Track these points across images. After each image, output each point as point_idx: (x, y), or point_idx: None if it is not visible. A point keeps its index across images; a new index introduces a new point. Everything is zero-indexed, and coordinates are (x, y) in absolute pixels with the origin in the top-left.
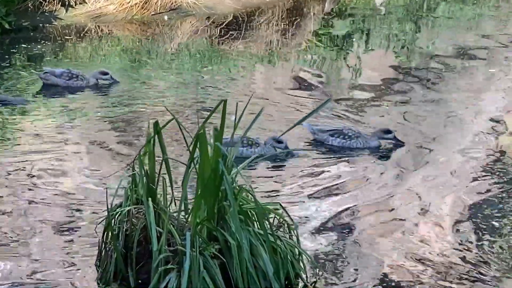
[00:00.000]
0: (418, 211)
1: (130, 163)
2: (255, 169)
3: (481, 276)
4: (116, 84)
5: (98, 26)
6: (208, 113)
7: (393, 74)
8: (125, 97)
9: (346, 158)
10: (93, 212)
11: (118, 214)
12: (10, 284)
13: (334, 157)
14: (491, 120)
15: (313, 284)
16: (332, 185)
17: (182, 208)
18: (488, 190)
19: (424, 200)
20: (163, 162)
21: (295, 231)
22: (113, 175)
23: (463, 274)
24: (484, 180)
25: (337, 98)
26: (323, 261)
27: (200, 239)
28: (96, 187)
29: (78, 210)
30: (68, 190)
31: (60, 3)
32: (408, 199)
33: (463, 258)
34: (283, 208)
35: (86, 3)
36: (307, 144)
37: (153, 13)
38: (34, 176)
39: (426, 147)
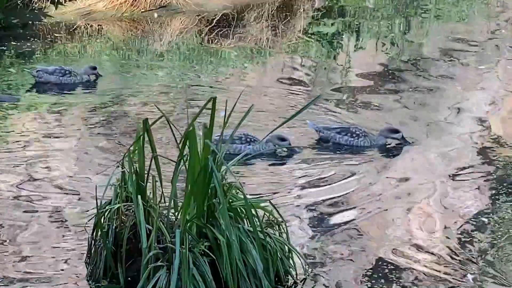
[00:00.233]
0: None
1: (119, 161)
2: (252, 165)
3: None
4: (102, 79)
5: (88, 23)
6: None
7: (383, 71)
8: (115, 95)
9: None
10: (83, 210)
11: (108, 211)
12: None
13: (339, 154)
14: (478, 119)
15: (303, 281)
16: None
17: (172, 205)
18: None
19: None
20: (153, 160)
21: (285, 228)
22: (103, 172)
23: None
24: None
25: (327, 94)
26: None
27: (189, 236)
28: (86, 184)
29: (66, 207)
30: (56, 187)
31: (49, 0)
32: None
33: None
34: (273, 205)
35: (76, 0)
36: (312, 143)
37: (142, 10)
38: (22, 173)
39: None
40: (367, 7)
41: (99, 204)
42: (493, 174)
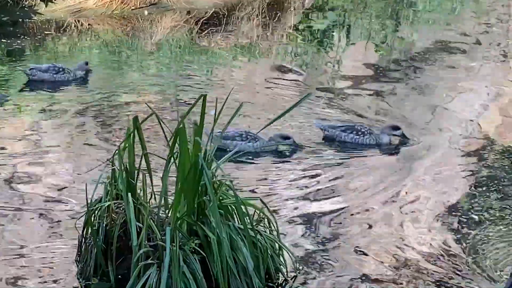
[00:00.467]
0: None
1: (109, 158)
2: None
3: None
4: (93, 76)
5: (78, 20)
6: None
7: (374, 68)
8: (105, 92)
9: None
10: (73, 207)
11: (98, 209)
12: None
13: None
14: (468, 116)
15: (293, 279)
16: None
17: (162, 203)
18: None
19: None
20: (143, 157)
21: (275, 226)
22: (93, 170)
23: None
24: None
25: (317, 91)
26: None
27: (180, 234)
28: (76, 182)
29: (56, 205)
30: (46, 184)
31: None
32: None
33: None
34: (263, 202)
35: None
36: (318, 142)
37: (133, 7)
38: (13, 169)
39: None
40: (357, 4)
41: (89, 202)
42: (483, 171)
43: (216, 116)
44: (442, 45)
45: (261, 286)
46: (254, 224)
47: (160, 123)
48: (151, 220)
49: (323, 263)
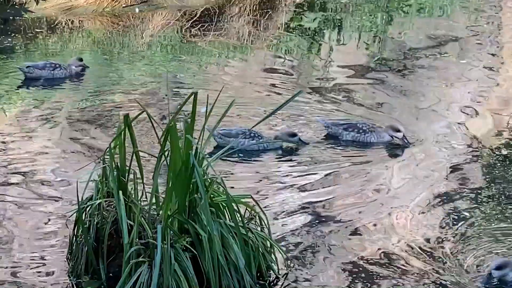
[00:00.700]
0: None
1: (100, 156)
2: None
3: None
4: (89, 72)
5: (69, 18)
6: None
7: (365, 65)
8: (96, 90)
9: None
10: (63, 205)
11: (89, 207)
12: None
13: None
14: (460, 113)
15: (284, 276)
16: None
17: (153, 201)
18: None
19: None
20: (134, 155)
21: (266, 223)
22: (84, 168)
23: None
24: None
25: (308, 89)
26: None
27: (171, 232)
28: (67, 179)
29: (47, 202)
30: (37, 182)
31: None
32: None
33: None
34: (255, 200)
35: None
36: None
37: (124, 5)
38: (4, 167)
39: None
40: (349, 1)
41: (80, 200)
42: (475, 168)
43: (207, 113)
44: (433, 42)
45: (252, 283)
46: (245, 221)
47: (151, 121)
48: (142, 218)
49: (313, 259)
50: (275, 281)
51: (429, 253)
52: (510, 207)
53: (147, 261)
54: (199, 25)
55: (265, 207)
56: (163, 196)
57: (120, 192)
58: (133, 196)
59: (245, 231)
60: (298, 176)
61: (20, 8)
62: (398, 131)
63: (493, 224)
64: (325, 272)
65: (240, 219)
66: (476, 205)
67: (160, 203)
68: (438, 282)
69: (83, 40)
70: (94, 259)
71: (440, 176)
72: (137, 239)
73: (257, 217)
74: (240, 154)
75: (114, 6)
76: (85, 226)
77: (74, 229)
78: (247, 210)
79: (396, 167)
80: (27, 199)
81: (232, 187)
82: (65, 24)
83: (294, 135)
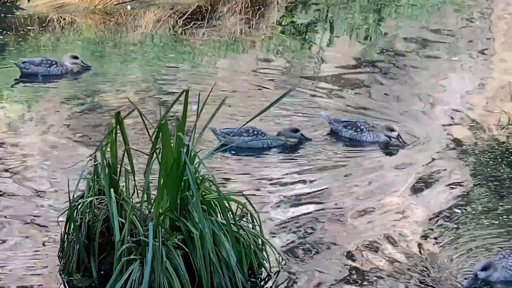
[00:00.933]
0: None
1: (92, 154)
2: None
3: None
4: (82, 70)
5: (61, 16)
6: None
7: (357, 63)
8: (88, 87)
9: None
10: (55, 203)
11: (80, 205)
12: None
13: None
14: (450, 110)
15: (276, 274)
16: None
17: (145, 198)
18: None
19: None
20: (125, 152)
21: (258, 221)
22: (75, 165)
23: None
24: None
25: (300, 86)
26: None
27: (163, 229)
28: (58, 177)
29: (38, 200)
30: (28, 179)
31: None
32: None
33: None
34: (246, 198)
35: None
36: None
37: (115, 3)
38: None
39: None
40: None
41: (71, 198)
42: (467, 166)
43: (199, 110)
44: (425, 39)
45: (244, 281)
46: (237, 219)
47: (142, 118)
48: (134, 216)
49: (305, 257)
50: (266, 279)
51: (416, 251)
52: (501, 204)
53: (138, 258)
54: (191, 23)
55: (257, 203)
56: (155, 193)
57: (112, 189)
58: (124, 194)
59: (236, 228)
60: (294, 173)
61: (11, 5)
62: (393, 130)
63: (485, 222)
64: (317, 269)
65: (231, 216)
66: (467, 203)
67: (152, 201)
68: (424, 282)
69: (75, 38)
70: (85, 257)
71: (432, 173)
72: (128, 237)
73: (249, 215)
74: (232, 151)
75: (105, 3)
76: (76, 224)
77: (65, 227)
78: (238, 208)
79: (389, 166)
80: (18, 196)
81: (224, 183)
82: (57, 21)
83: (296, 130)
